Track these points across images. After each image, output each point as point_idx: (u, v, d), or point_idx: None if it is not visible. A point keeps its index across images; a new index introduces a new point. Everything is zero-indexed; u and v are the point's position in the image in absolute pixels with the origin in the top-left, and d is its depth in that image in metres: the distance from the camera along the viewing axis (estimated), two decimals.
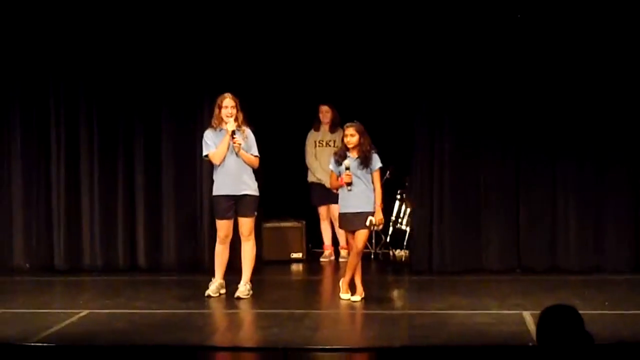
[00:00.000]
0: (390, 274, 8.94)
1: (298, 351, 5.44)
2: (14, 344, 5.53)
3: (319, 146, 9.14)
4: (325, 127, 9.13)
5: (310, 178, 9.20)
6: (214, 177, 7.19)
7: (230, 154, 7.07)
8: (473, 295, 7.26)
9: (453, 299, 7.02)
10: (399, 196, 9.57)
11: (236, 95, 7.18)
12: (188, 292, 7.51)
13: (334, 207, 8.71)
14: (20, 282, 8.25)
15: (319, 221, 9.30)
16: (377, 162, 6.93)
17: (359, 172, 6.88)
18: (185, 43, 8.58)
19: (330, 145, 9.00)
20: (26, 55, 8.68)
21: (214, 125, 7.14)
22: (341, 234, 8.86)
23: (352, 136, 6.92)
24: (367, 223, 6.83)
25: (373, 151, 6.93)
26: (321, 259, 9.15)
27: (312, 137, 9.21)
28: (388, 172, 9.32)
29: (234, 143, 7.00)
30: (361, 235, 6.88)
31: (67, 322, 6.24)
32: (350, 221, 6.91)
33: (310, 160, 9.18)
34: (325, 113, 9.09)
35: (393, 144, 9.29)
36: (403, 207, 9.56)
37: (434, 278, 8.15)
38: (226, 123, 7.06)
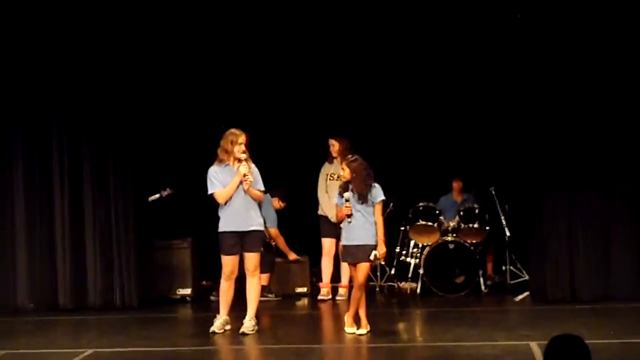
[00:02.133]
0: (395, 306, 8.92)
1: None
2: None
3: (330, 179, 8.96)
4: (338, 161, 8.85)
5: (320, 211, 9.06)
6: (220, 214, 7.15)
7: (238, 191, 7.09)
8: (480, 327, 7.22)
9: (460, 331, 6.98)
10: (402, 228, 9.55)
11: (244, 129, 7.18)
12: (192, 328, 7.46)
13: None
14: (25, 322, 8.22)
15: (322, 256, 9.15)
16: (378, 195, 6.91)
17: (358, 205, 6.87)
18: (190, 75, 8.66)
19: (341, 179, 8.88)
20: (27, 92, 8.72)
21: (221, 160, 7.14)
22: (344, 272, 8.81)
23: (343, 170, 6.97)
24: (372, 257, 6.80)
25: (374, 184, 6.92)
26: (319, 298, 8.89)
27: (325, 170, 9.02)
28: (391, 204, 9.33)
29: (246, 181, 7.02)
30: (363, 268, 6.85)
31: None
32: (352, 254, 6.90)
33: (320, 193, 9.04)
34: (332, 147, 8.87)
35: (396, 175, 9.34)
36: (407, 239, 9.55)
37: (441, 310, 8.16)
38: (235, 159, 7.06)
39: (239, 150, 7.04)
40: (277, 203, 9.13)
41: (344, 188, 6.96)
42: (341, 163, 8.67)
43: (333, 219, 8.66)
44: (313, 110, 9.98)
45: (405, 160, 10.07)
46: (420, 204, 9.32)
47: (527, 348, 6.19)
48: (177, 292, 9.19)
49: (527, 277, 9.06)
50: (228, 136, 7.10)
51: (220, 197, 7.08)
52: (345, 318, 7.04)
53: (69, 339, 7.19)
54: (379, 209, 6.90)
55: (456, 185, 9.79)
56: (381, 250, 6.83)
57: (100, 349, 6.70)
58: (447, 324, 7.32)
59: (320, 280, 9.11)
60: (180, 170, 9.77)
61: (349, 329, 6.95)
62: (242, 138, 7.07)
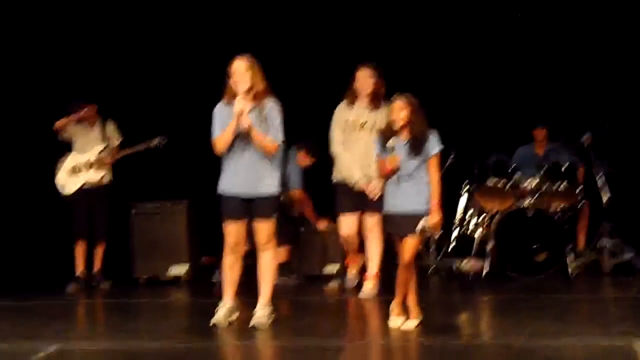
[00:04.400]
0: (455, 292, 8.93)
1: None
2: None
3: (350, 129, 8.36)
4: (363, 102, 8.32)
5: (336, 175, 8.50)
6: (222, 169, 7.13)
7: (242, 141, 7.00)
8: (567, 320, 7.21)
9: (540, 325, 6.95)
10: (465, 189, 9.52)
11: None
12: (189, 319, 7.51)
13: (372, 216, 8.25)
14: None
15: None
16: (434, 146, 6.82)
17: (409, 160, 6.81)
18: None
19: (366, 129, 8.31)
20: None
21: (228, 97, 7.00)
22: (350, 250, 8.52)
23: (399, 111, 6.82)
24: (419, 228, 6.74)
25: (429, 132, 6.84)
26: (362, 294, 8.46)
27: (342, 114, 8.38)
28: (450, 157, 9.29)
29: (242, 126, 6.90)
30: (409, 243, 6.77)
31: None
32: (397, 224, 6.82)
33: (336, 148, 8.41)
34: (367, 79, 8.26)
35: (456, 120, 9.28)
36: (471, 203, 9.52)
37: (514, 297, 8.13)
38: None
39: (234, 82, 6.91)
40: (303, 158, 9.06)
41: (387, 134, 6.87)
42: (370, 105, 8.25)
43: (358, 185, 8.30)
44: (355, 37, 9.84)
45: (470, 99, 9.99)
46: (490, 157, 9.27)
47: (629, 349, 6.15)
48: (169, 272, 9.30)
49: (631, 255, 9.05)
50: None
51: (217, 145, 6.99)
52: (391, 307, 7.03)
53: (23, 332, 7.19)
54: (434, 164, 6.81)
55: (539, 134, 9.72)
56: (434, 219, 6.74)
57: (66, 347, 6.69)
58: (523, 316, 7.30)
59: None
60: (175, 114, 9.84)
61: (395, 319, 6.94)
62: (233, 66, 6.92)
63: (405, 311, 6.97)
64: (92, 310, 8.62)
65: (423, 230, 6.74)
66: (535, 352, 6.20)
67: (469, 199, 9.56)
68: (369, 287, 8.43)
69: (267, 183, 7.08)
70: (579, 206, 9.43)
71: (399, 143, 6.81)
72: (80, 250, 9.26)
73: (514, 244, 9.08)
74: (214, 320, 7.15)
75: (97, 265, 9.31)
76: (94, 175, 9.24)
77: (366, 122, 8.27)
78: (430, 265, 9.53)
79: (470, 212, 9.58)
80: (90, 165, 9.22)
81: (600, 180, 9.17)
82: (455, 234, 9.59)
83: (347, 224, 8.48)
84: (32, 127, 10.13)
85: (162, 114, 9.93)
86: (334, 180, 8.50)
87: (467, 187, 9.53)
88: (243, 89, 6.91)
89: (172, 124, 9.67)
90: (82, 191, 9.24)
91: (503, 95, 10.02)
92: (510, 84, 10.02)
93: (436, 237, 9.33)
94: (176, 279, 9.29)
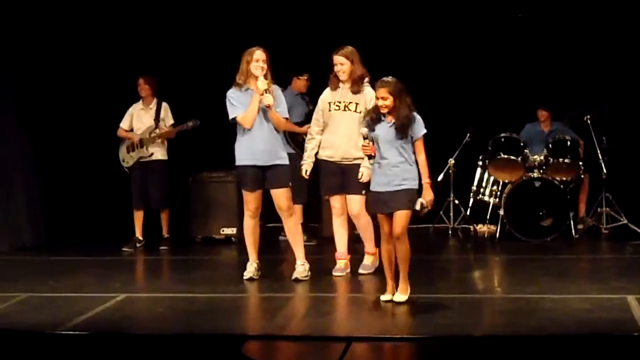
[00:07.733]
0: (470, 252, 8.92)
1: (363, 341, 5.36)
2: (42, 332, 5.58)
3: (335, 109, 7.39)
4: (345, 85, 7.38)
5: (320, 153, 7.50)
6: (237, 144, 7.15)
7: (259, 117, 7.05)
8: (568, 277, 7.19)
9: (545, 282, 6.95)
10: (480, 162, 9.48)
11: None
12: (238, 272, 7.55)
13: (352, 198, 7.34)
14: (49, 263, 8.40)
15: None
16: (420, 129, 6.36)
17: (397, 142, 6.32)
18: None
19: (350, 110, 7.33)
20: None
21: (240, 82, 7.07)
22: (342, 238, 7.52)
23: (384, 99, 6.31)
24: (418, 207, 6.24)
25: (413, 115, 6.33)
26: (334, 273, 7.46)
27: (325, 97, 7.49)
28: (468, 134, 9.26)
29: (266, 99, 6.95)
30: (400, 216, 6.23)
31: (102, 307, 6.31)
32: (384, 202, 6.31)
33: (312, 129, 7.52)
34: (340, 65, 7.31)
35: (473, 100, 9.20)
36: (485, 175, 9.49)
37: (523, 257, 8.11)
38: (255, 78, 6.97)
39: (256, 67, 6.98)
40: (297, 83, 9.00)
41: (372, 118, 6.43)
42: (352, 88, 7.33)
43: (343, 156, 7.36)
44: (366, 22, 9.73)
45: (484, 80, 9.90)
46: (502, 134, 9.22)
47: (623, 302, 6.12)
48: (221, 232, 9.34)
49: (625, 221, 9.00)
50: (243, 56, 7.06)
51: (245, 121, 7.03)
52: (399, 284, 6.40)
53: (99, 282, 7.30)
54: (421, 145, 6.37)
55: (542, 115, 9.64)
56: (428, 197, 6.30)
57: (133, 294, 6.83)
58: (530, 274, 7.29)
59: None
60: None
61: (385, 295, 6.42)
62: (257, 54, 7.01)
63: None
64: (155, 265, 8.68)
65: (422, 208, 6.29)
66: (541, 304, 6.20)
67: (483, 172, 9.52)
68: (368, 262, 7.56)
69: (281, 155, 7.17)
70: (581, 178, 9.37)
71: (385, 125, 6.36)
72: (137, 217, 9.17)
73: (522, 211, 9.03)
74: (248, 275, 7.20)
75: (164, 231, 9.22)
76: (146, 152, 9.18)
77: (350, 103, 7.34)
78: (449, 227, 9.52)
79: (484, 182, 9.56)
80: (142, 143, 9.18)
81: (599, 155, 9.11)
82: (471, 201, 9.57)
83: (338, 203, 7.48)
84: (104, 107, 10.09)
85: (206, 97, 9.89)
86: (318, 157, 7.51)
87: (482, 161, 9.48)
88: (258, 72, 6.98)
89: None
90: (138, 165, 9.21)
91: (513, 79, 9.91)
92: (519, 68, 9.90)
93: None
94: (227, 238, 9.33)
